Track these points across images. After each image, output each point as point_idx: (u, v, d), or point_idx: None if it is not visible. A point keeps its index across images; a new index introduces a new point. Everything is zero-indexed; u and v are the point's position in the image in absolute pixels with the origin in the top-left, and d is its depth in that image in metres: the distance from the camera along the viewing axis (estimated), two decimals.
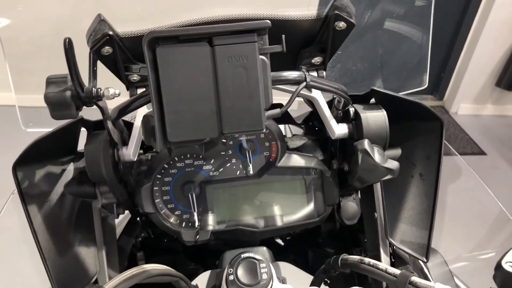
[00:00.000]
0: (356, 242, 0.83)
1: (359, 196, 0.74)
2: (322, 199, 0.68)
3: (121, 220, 0.88)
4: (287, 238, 0.93)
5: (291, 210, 0.68)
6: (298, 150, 0.71)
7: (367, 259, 0.61)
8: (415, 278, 0.54)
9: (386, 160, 0.61)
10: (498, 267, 0.41)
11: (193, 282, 0.68)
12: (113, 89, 0.54)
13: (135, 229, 0.83)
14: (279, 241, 0.96)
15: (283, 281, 0.62)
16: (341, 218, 0.72)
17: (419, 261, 0.70)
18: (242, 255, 0.56)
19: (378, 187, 0.74)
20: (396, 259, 0.72)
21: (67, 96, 0.50)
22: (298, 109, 0.84)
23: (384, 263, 0.60)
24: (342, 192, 0.71)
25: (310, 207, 0.68)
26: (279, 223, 0.67)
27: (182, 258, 0.93)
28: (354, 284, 0.63)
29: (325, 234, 0.90)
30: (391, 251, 0.72)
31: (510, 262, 0.41)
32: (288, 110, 0.60)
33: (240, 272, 0.55)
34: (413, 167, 0.71)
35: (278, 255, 0.86)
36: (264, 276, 0.55)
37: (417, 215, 0.70)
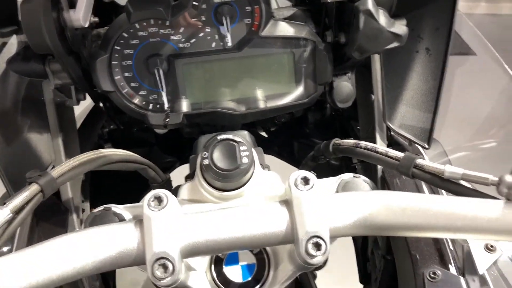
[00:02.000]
0: (347, 131, 0.75)
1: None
2: (313, 77, 0.58)
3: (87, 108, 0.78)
4: (271, 129, 0.85)
5: (277, 90, 0.58)
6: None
7: (363, 143, 0.52)
8: (421, 161, 0.46)
9: (393, 23, 0.51)
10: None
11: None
12: None
13: (100, 117, 0.74)
14: (263, 133, 0.88)
15: (267, 168, 0.54)
16: (334, 101, 0.62)
17: (419, 148, 0.63)
18: (218, 137, 0.47)
19: (377, 65, 0.64)
20: (393, 146, 0.65)
21: None
22: None
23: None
24: (336, 71, 0.61)
25: (299, 86, 0.58)
26: (263, 104, 0.58)
27: (156, 151, 0.85)
28: None
29: (313, 123, 0.82)
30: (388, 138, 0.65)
31: None
32: None
33: (217, 155, 0.46)
34: (419, 40, 0.61)
35: (261, 147, 0.79)
36: (245, 160, 0.46)
37: (420, 96, 0.61)
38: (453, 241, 0.56)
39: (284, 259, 0.47)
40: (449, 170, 0.44)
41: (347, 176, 0.51)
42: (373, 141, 0.63)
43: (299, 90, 0.58)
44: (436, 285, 0.50)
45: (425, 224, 0.39)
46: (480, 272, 0.53)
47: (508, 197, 0.38)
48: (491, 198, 0.40)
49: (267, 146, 0.88)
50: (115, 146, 0.76)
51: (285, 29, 0.55)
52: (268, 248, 0.48)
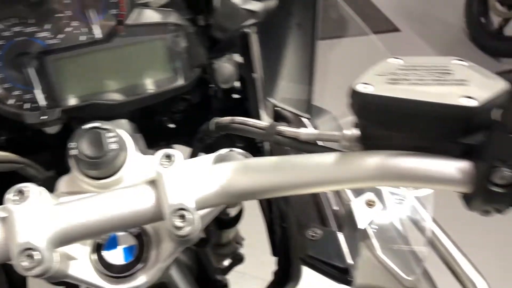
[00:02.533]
0: (242, 111, 0.77)
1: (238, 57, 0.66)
2: (188, 61, 0.60)
3: None
4: (177, 119, 0.86)
5: (154, 76, 0.59)
6: None
7: (238, 118, 0.55)
8: (281, 128, 0.49)
9: (247, 1, 0.53)
10: (353, 92, 0.36)
11: None
12: None
13: None
14: (172, 125, 0.89)
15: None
16: (217, 83, 0.64)
17: (302, 120, 0.66)
18: (83, 127, 0.48)
19: (254, 44, 0.66)
20: (280, 120, 0.68)
21: None
22: None
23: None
24: (214, 53, 0.63)
25: (176, 70, 0.60)
26: (140, 91, 0.59)
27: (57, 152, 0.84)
28: None
29: (217, 109, 0.83)
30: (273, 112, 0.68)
31: (364, 83, 0.36)
32: None
33: (83, 144, 0.47)
34: (290, 16, 0.64)
35: (170, 138, 0.80)
36: (113, 146, 0.47)
37: (297, 70, 0.65)
38: (337, 200, 0.60)
39: (165, 237, 0.49)
40: (305, 132, 0.47)
41: (224, 150, 0.53)
42: (260, 116, 0.66)
43: (176, 74, 0.60)
44: (316, 243, 0.54)
45: (281, 183, 0.42)
46: (361, 227, 0.57)
47: (349, 149, 0.41)
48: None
49: (175, 136, 0.89)
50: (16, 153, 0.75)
51: (151, 15, 0.57)
52: (149, 228, 0.49)
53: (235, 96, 0.69)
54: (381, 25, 3.47)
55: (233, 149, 0.54)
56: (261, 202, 0.78)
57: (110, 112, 0.60)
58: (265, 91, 0.64)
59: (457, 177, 0.35)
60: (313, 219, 0.56)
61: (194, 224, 0.41)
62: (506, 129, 0.31)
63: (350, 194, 0.61)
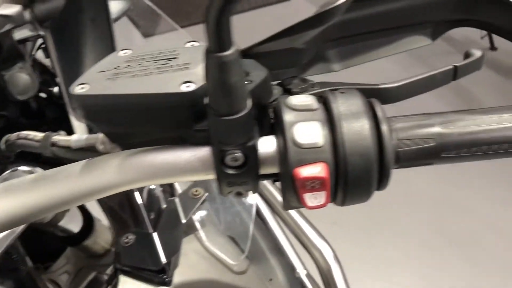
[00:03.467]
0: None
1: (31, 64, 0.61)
2: None
3: None
4: None
5: None
6: None
7: (22, 132, 0.50)
8: (56, 137, 0.45)
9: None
10: (70, 95, 0.33)
11: None
12: None
13: None
14: None
15: None
16: (14, 96, 0.59)
17: None
18: None
19: (51, 47, 0.61)
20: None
21: None
22: None
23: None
24: (3, 64, 0.58)
25: None
26: None
27: None
28: None
29: (52, 120, 0.78)
30: None
31: (81, 84, 0.32)
32: None
33: None
34: (82, 13, 0.59)
35: None
36: None
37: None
38: (161, 197, 0.58)
39: None
40: (75, 139, 0.43)
41: (8, 171, 0.49)
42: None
43: None
44: (129, 248, 0.51)
45: (37, 203, 0.37)
46: (185, 219, 0.55)
47: (110, 151, 0.38)
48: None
49: None
50: None
51: None
52: None
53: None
54: None
55: (20, 167, 0.49)
56: None
57: None
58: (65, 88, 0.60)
59: (200, 165, 0.33)
60: (128, 223, 0.53)
61: None
62: (216, 112, 0.29)
63: (177, 188, 0.59)
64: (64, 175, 0.37)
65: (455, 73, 0.42)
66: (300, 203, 0.31)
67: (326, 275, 0.62)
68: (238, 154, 0.31)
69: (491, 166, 2.19)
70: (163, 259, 0.49)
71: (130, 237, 0.51)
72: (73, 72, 0.60)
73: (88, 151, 0.43)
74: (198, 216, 0.55)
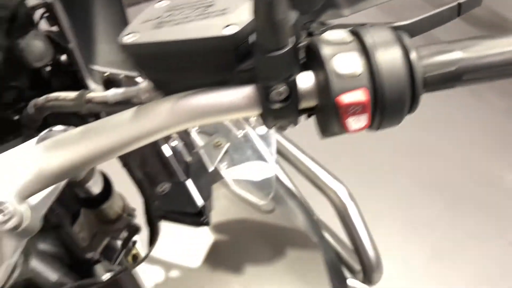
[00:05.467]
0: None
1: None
2: None
3: None
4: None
5: None
6: None
7: (52, 95, 0.52)
8: (90, 94, 0.47)
9: None
10: (121, 45, 0.35)
11: None
12: None
13: None
14: None
15: None
16: (30, 63, 0.60)
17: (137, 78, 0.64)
18: None
19: (61, 15, 0.62)
20: (111, 86, 0.65)
21: None
22: None
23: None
24: (16, 33, 0.59)
25: None
26: None
27: None
28: None
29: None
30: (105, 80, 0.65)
31: (130, 33, 0.35)
32: None
33: None
34: None
35: None
36: None
37: (112, 30, 0.62)
38: (185, 150, 0.61)
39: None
40: (111, 93, 0.45)
41: (44, 132, 0.51)
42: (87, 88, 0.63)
43: None
44: (166, 196, 0.54)
45: (94, 150, 0.40)
46: (211, 168, 0.58)
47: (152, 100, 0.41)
48: None
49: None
50: None
51: None
52: None
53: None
54: None
55: (53, 127, 0.51)
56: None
57: None
58: (86, 59, 0.61)
59: (245, 103, 0.36)
60: (160, 175, 0.56)
61: (17, 215, 0.39)
62: (263, 49, 0.32)
63: (198, 141, 0.62)
64: (113, 124, 0.39)
65: (459, 10, 0.45)
66: (341, 129, 0.35)
67: (343, 213, 0.66)
68: (283, 88, 0.34)
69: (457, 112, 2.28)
70: (199, 202, 0.53)
71: (165, 186, 0.54)
72: (88, 36, 0.61)
73: (125, 104, 0.45)
74: (222, 164, 0.58)
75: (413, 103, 0.35)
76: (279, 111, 0.35)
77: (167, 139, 0.58)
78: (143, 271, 0.49)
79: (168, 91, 0.39)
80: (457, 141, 2.28)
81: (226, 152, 0.59)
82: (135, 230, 0.88)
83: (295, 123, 0.37)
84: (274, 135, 0.61)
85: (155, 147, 0.57)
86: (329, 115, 0.34)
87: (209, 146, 0.60)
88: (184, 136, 0.61)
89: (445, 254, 1.90)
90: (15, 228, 0.40)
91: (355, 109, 0.33)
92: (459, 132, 2.32)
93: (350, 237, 0.66)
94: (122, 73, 0.62)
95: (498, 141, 2.28)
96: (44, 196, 0.44)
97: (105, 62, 0.62)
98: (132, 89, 0.42)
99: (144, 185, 0.58)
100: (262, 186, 0.57)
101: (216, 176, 0.59)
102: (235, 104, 0.36)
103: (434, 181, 2.11)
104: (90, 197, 0.70)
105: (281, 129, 0.38)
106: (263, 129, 0.61)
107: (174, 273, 0.49)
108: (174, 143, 0.61)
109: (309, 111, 0.38)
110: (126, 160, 0.64)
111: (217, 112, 0.37)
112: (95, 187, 0.70)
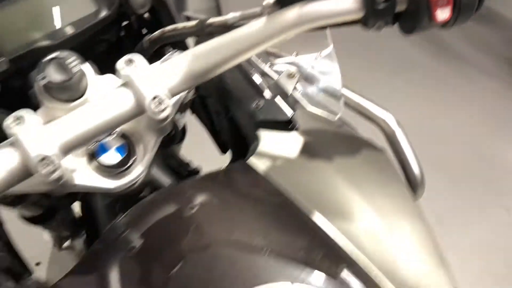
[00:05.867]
0: None
1: None
2: None
3: None
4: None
5: (79, 13, 0.65)
6: None
7: (167, 28, 0.64)
8: (210, 20, 0.59)
9: None
10: None
11: None
12: None
13: None
14: None
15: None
16: (134, 9, 0.72)
17: None
18: (43, 60, 0.53)
19: None
20: None
21: None
22: None
23: None
24: None
25: (97, 2, 0.66)
26: (72, 30, 0.65)
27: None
28: None
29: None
30: None
31: None
32: None
33: (52, 73, 0.52)
34: None
35: None
36: (77, 69, 0.54)
37: None
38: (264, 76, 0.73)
39: (145, 131, 0.57)
40: (231, 16, 0.57)
41: (167, 54, 0.62)
42: None
43: (98, 5, 0.66)
44: (262, 110, 0.66)
45: (228, 55, 0.52)
46: (288, 94, 0.70)
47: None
48: None
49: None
50: None
51: None
52: (128, 129, 0.57)
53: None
54: None
55: (173, 51, 0.63)
56: (196, 111, 0.89)
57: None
58: (177, 6, 0.73)
59: (352, 6, 0.49)
60: (252, 95, 0.68)
61: (169, 108, 0.51)
62: None
63: (273, 74, 0.74)
64: (234, 35, 0.51)
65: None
66: (430, 22, 0.47)
67: (392, 138, 0.78)
68: None
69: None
70: (289, 112, 0.66)
71: (259, 102, 0.66)
72: None
73: (243, 24, 0.57)
74: (298, 90, 0.71)
75: (480, 2, 0.48)
76: (381, 11, 0.48)
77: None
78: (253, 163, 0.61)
79: (286, 4, 0.52)
80: (456, 121, 2.43)
81: (298, 80, 0.71)
82: (196, 172, 0.99)
83: (392, 22, 0.50)
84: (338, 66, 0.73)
85: (247, 75, 0.69)
86: (420, 11, 0.47)
87: (284, 77, 0.72)
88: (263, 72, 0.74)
89: (445, 219, 2.03)
90: (167, 118, 0.51)
91: (442, 2, 0.46)
92: (458, 113, 2.48)
93: (398, 159, 0.78)
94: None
95: (494, 120, 2.44)
96: (176, 100, 0.56)
97: (194, 10, 0.74)
98: (254, 10, 0.54)
99: (235, 106, 0.70)
100: (333, 105, 0.70)
101: (293, 100, 0.71)
102: (343, 9, 0.49)
103: (438, 159, 2.24)
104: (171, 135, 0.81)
105: (378, 28, 0.50)
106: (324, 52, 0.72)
107: (279, 163, 0.61)
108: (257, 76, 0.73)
109: (395, 19, 0.50)
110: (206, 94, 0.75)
111: (329, 16, 0.49)
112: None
